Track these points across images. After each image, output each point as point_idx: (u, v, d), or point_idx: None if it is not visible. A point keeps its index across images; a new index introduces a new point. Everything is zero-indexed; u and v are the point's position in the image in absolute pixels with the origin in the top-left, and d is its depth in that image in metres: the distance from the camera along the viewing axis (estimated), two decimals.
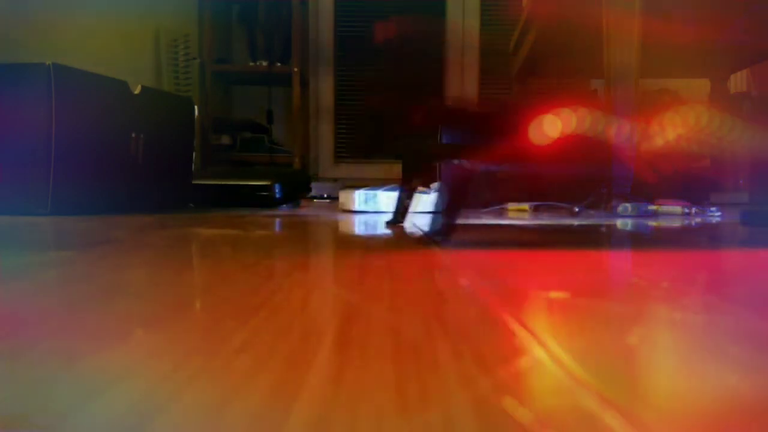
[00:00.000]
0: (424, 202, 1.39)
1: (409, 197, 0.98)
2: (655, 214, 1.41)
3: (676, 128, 0.70)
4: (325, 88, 2.83)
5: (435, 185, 1.40)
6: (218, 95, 2.64)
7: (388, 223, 0.97)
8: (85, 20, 1.74)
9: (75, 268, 0.47)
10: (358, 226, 1.00)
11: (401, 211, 0.97)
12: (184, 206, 1.42)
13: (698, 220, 1.28)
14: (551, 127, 0.68)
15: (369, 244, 0.74)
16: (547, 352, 0.24)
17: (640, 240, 0.86)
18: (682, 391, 0.20)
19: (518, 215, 1.37)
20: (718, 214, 1.40)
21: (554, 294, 0.39)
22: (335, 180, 2.62)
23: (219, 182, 1.55)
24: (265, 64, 2.56)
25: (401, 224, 0.96)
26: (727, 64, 2.06)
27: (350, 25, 2.85)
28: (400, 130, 0.84)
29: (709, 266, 0.57)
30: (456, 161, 0.77)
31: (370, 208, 1.44)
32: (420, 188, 1.39)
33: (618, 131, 0.73)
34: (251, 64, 2.62)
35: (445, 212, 0.77)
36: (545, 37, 1.70)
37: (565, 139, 0.69)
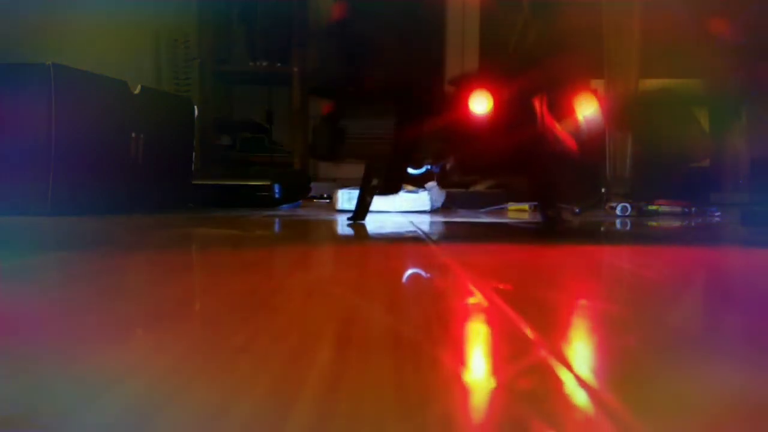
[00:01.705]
0: (415, 200, 1.39)
1: (371, 196, 1.01)
2: (654, 214, 1.41)
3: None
4: None
5: (429, 184, 1.40)
6: (218, 95, 2.63)
7: (350, 221, 1.00)
8: (85, 20, 1.74)
9: (75, 269, 0.47)
10: (341, 226, 1.00)
11: (362, 209, 1.00)
12: (184, 206, 1.42)
13: (698, 219, 1.28)
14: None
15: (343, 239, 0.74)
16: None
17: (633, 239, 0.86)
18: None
19: (517, 215, 1.37)
20: (718, 214, 1.40)
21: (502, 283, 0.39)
22: (335, 180, 2.62)
23: (219, 182, 1.55)
24: (265, 64, 2.56)
25: (362, 222, 0.99)
26: (727, 64, 2.05)
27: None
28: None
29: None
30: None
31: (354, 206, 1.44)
32: (409, 188, 1.39)
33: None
34: (251, 64, 2.62)
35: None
36: (545, 36, 1.70)
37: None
